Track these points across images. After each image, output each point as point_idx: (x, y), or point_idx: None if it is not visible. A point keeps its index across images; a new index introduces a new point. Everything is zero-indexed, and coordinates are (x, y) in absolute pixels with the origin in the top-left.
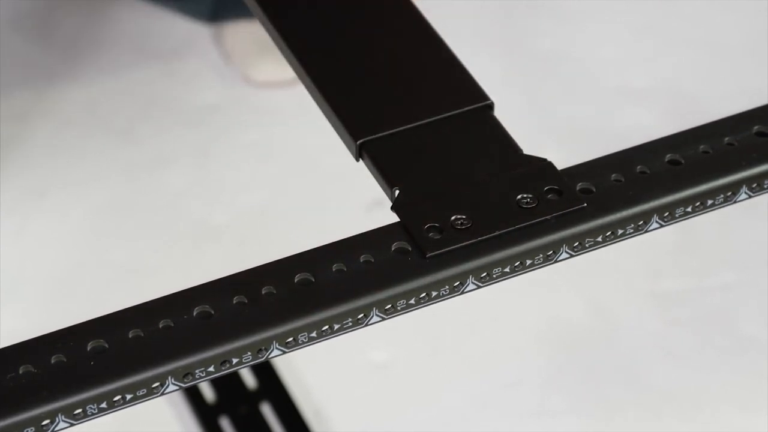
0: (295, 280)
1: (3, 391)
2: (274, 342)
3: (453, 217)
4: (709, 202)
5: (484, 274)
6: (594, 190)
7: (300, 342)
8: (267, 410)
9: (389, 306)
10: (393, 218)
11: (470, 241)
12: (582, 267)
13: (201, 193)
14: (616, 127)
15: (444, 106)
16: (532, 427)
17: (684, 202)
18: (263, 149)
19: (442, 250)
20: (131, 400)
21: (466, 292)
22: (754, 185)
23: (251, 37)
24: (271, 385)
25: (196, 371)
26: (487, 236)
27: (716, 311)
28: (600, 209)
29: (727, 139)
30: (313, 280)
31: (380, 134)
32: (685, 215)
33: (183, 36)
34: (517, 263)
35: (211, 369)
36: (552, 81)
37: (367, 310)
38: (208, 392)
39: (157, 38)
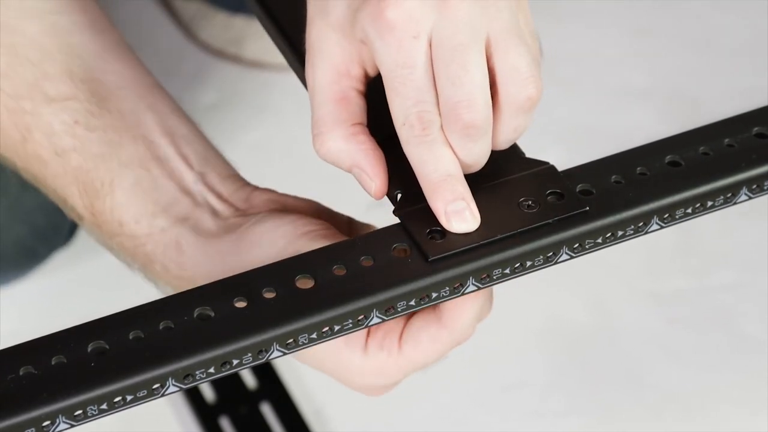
0: (296, 282)
1: (3, 392)
2: (275, 343)
3: None
4: (709, 203)
5: (485, 275)
6: (594, 191)
7: (300, 343)
8: (267, 410)
9: (389, 307)
10: (393, 219)
11: (472, 245)
12: (582, 267)
13: None
14: (616, 127)
15: None
16: (532, 427)
17: (684, 203)
18: (263, 150)
19: (444, 254)
20: (132, 401)
21: (466, 293)
22: (754, 186)
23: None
24: (271, 385)
25: (197, 372)
26: (489, 240)
27: (716, 311)
28: (600, 211)
29: (727, 140)
30: (314, 281)
31: (382, 138)
32: (686, 216)
33: (182, 35)
34: (518, 265)
35: (212, 370)
36: (552, 81)
37: (367, 312)
38: (208, 392)
39: (155, 37)
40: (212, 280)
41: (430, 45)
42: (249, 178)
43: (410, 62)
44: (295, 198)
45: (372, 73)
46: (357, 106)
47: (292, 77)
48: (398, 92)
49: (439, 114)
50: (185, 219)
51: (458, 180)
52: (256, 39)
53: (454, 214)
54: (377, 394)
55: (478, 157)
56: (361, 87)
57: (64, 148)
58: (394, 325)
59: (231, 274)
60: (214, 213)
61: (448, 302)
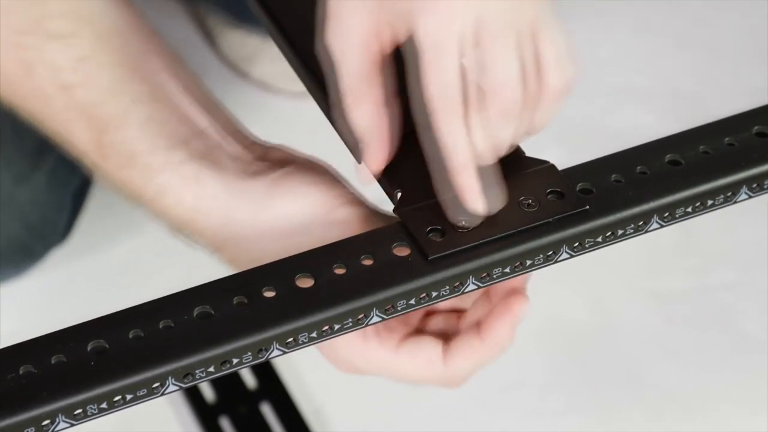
0: (296, 281)
1: (3, 391)
2: (275, 342)
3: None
4: (710, 202)
5: (485, 274)
6: (594, 190)
7: (300, 342)
8: (267, 410)
9: (389, 306)
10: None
11: (472, 244)
12: (582, 266)
13: None
14: (616, 127)
15: None
16: (532, 427)
17: (684, 202)
18: None
19: (445, 253)
20: (131, 400)
21: (466, 292)
22: (754, 185)
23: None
24: (271, 385)
25: (197, 371)
26: (489, 239)
27: (717, 310)
28: (600, 210)
29: (727, 139)
30: (314, 280)
31: None
32: (686, 215)
33: (183, 38)
34: (518, 263)
35: (212, 369)
36: None
37: (367, 311)
38: (208, 392)
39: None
40: (229, 217)
41: (472, 25)
42: None
43: (449, 41)
44: (310, 160)
45: (401, 40)
46: (388, 72)
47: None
48: (433, 71)
49: (473, 93)
50: (204, 156)
51: (486, 159)
52: (266, 61)
53: (477, 192)
54: (348, 372)
55: (508, 140)
56: (389, 53)
57: (71, 83)
58: (399, 324)
59: (255, 217)
60: (233, 157)
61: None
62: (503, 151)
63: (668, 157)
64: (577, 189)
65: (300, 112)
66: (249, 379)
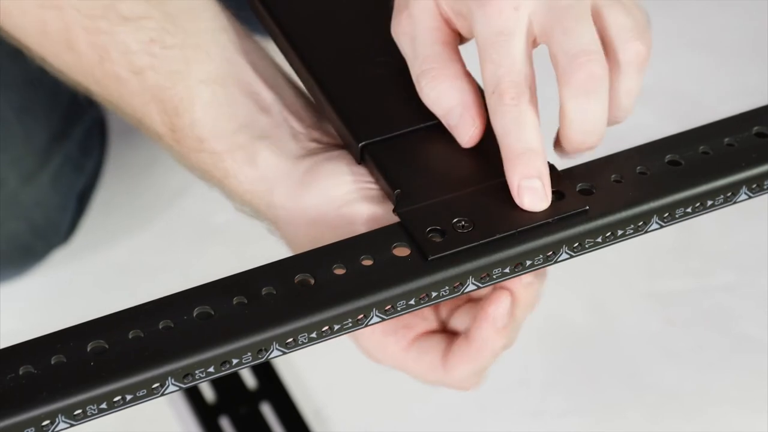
0: (295, 281)
1: (3, 391)
2: (274, 342)
3: (455, 220)
4: (709, 202)
5: (484, 274)
6: (594, 190)
7: (300, 342)
8: (267, 410)
9: (389, 307)
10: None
11: (472, 244)
12: (582, 267)
13: (201, 193)
14: (616, 127)
15: None
16: (531, 427)
17: (684, 202)
18: None
19: (444, 253)
20: (131, 400)
21: (466, 292)
22: (754, 186)
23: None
24: (271, 385)
25: (196, 372)
26: (489, 239)
27: (716, 311)
28: (600, 210)
29: (726, 139)
30: (313, 280)
31: (383, 137)
32: (685, 216)
33: None
34: (517, 264)
35: (211, 369)
36: (552, 81)
37: (366, 311)
38: (208, 392)
39: None
40: (269, 200)
41: (531, 20)
42: None
43: (508, 30)
44: None
45: (466, 36)
46: (459, 53)
47: None
48: (492, 59)
49: (530, 87)
50: (265, 137)
51: (539, 156)
52: None
53: (528, 189)
54: (377, 362)
55: (596, 121)
56: (458, 40)
57: (141, 67)
58: (420, 320)
59: (286, 201)
60: (295, 135)
61: (459, 352)
62: (595, 136)
63: (668, 157)
64: (577, 189)
65: None
66: (249, 379)
